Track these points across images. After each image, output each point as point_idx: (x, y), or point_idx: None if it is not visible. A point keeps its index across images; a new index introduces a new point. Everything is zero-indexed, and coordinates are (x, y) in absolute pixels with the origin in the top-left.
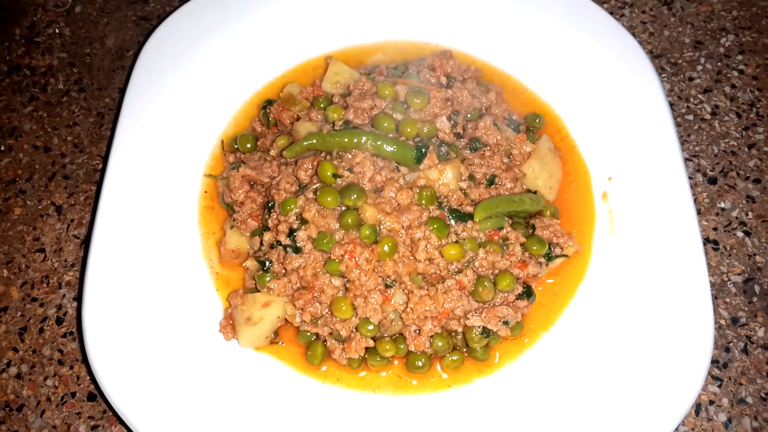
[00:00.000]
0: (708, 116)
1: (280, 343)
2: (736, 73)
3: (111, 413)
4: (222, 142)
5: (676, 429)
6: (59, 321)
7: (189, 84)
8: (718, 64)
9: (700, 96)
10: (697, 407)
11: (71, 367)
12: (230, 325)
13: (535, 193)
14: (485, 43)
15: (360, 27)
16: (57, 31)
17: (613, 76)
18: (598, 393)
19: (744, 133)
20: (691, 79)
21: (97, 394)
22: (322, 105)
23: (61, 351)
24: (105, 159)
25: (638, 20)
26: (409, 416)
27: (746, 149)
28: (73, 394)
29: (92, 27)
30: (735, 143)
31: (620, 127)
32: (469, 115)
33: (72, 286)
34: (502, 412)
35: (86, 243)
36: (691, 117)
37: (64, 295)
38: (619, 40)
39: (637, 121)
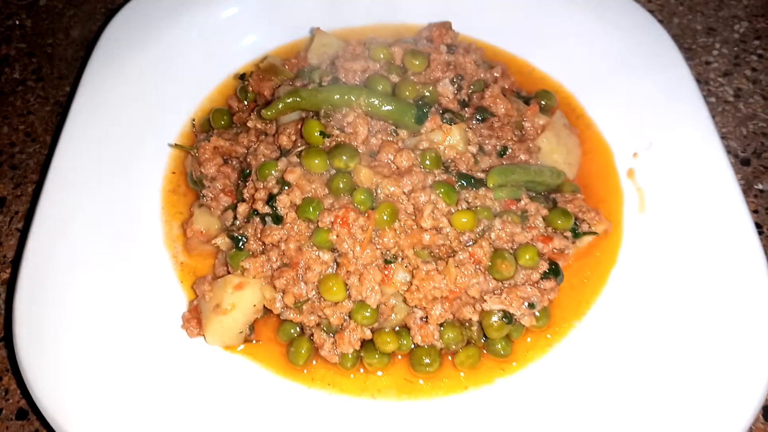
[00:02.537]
0: (731, 98)
1: (255, 341)
2: (755, 58)
3: None
4: (193, 120)
5: None
6: None
7: (157, 63)
8: (735, 49)
9: (719, 79)
10: (765, 410)
11: None
12: (195, 319)
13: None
14: (486, 23)
15: (352, 6)
16: (17, 22)
17: (627, 48)
18: (643, 396)
19: None
20: (708, 63)
21: (28, 411)
22: (307, 78)
23: None
24: (53, 142)
25: (646, 9)
26: (416, 426)
27: None
28: None
29: (56, 19)
30: (765, 124)
31: (641, 100)
32: (473, 87)
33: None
34: (529, 419)
35: (24, 234)
36: (713, 99)
37: None
38: (628, 11)
39: (659, 92)
